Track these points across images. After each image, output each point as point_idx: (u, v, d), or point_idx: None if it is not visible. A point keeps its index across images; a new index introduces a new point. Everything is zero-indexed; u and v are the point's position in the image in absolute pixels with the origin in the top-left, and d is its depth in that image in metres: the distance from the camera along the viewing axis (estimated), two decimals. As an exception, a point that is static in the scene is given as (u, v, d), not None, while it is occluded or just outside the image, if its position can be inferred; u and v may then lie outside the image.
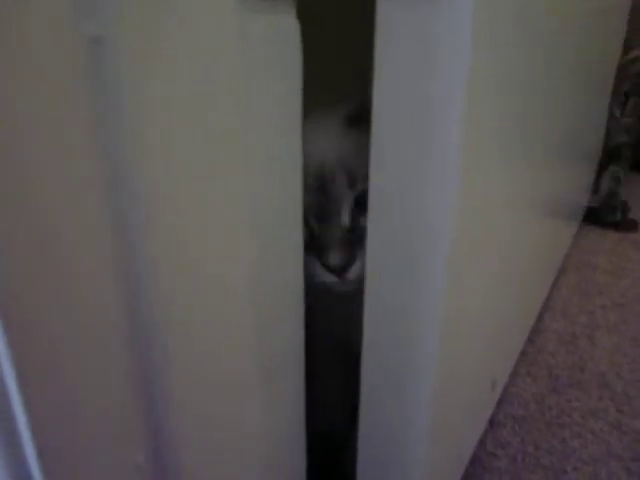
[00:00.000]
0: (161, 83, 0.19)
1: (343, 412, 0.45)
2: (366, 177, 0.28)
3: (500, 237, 0.43)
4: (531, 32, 0.37)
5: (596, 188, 1.15)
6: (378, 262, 0.30)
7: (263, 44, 0.23)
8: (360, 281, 0.32)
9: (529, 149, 0.47)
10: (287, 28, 0.25)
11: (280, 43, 0.24)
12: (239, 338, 0.25)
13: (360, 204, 0.36)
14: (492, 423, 0.55)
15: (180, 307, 0.22)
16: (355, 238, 0.36)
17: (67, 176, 0.16)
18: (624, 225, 1.06)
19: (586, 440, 0.54)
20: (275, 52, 0.24)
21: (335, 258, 0.35)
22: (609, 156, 1.17)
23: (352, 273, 0.36)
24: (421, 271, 0.29)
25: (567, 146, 0.72)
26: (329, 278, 0.36)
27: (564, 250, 0.90)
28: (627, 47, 1.17)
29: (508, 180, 0.41)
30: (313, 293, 0.32)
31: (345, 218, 0.36)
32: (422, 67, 0.25)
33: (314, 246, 0.36)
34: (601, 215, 1.08)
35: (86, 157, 0.17)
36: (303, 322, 0.31)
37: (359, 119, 0.35)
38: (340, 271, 0.35)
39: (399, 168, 0.27)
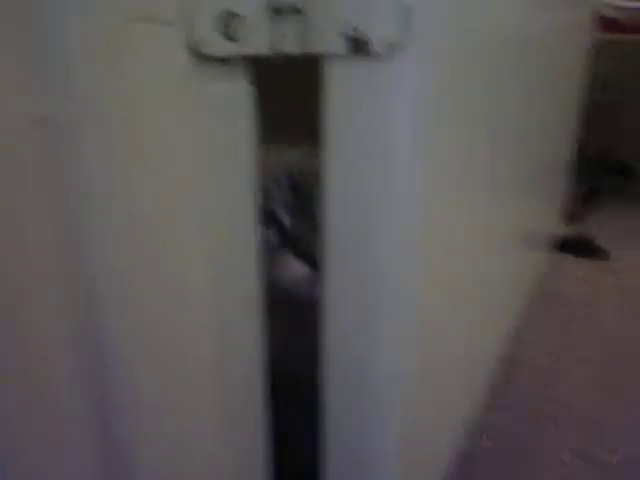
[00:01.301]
0: (118, 152, 0.20)
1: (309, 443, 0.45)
2: None
3: (471, 267, 0.44)
4: (491, 75, 0.39)
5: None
6: (335, 304, 0.31)
7: (218, 108, 0.25)
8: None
9: (497, 182, 0.49)
10: (241, 93, 0.26)
11: (235, 107, 0.26)
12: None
13: None
14: (465, 457, 0.56)
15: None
16: None
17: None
18: (596, 254, 1.08)
19: (556, 470, 0.55)
20: (230, 115, 0.25)
21: (310, 245, 0.37)
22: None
23: None
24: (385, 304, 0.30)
25: (534, 178, 0.74)
26: (304, 271, 0.37)
27: (536, 279, 0.92)
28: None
29: (478, 211, 0.42)
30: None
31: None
32: (370, 121, 0.26)
33: (289, 241, 0.38)
34: (573, 244, 1.10)
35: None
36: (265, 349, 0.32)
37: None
38: (314, 261, 0.37)
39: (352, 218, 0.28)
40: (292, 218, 0.39)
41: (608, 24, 1.45)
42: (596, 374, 0.71)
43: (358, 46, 0.25)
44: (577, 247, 1.09)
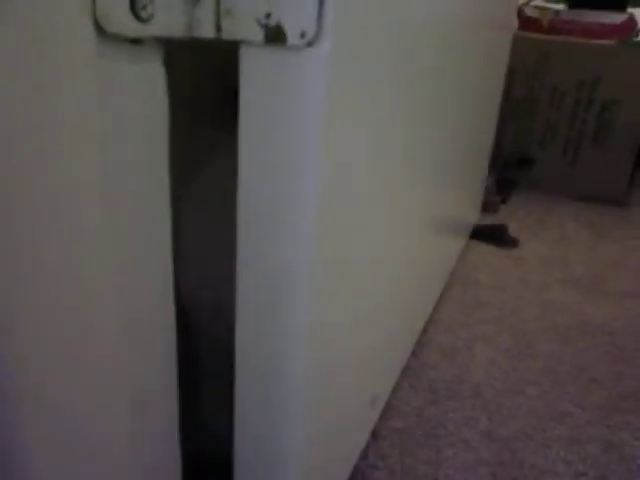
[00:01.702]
0: (22, 138, 0.19)
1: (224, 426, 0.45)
2: None
3: (383, 253, 0.45)
4: (408, 66, 0.40)
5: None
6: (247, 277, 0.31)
7: (128, 90, 0.24)
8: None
9: (413, 170, 0.50)
10: (153, 75, 0.25)
11: (146, 91, 0.25)
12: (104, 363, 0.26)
13: None
14: (374, 436, 0.58)
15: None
16: None
17: None
18: (507, 242, 1.15)
19: (458, 449, 0.58)
20: (140, 98, 0.25)
21: None
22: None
23: None
24: (287, 285, 0.31)
25: (455, 167, 0.77)
26: None
27: (450, 266, 0.96)
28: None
29: (392, 198, 0.44)
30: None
31: None
32: (282, 109, 0.27)
33: None
34: (487, 233, 1.16)
35: None
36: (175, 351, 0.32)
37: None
38: None
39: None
40: None
41: (527, 23, 1.52)
42: (500, 355, 0.76)
43: (273, 35, 0.25)
44: (489, 235, 1.15)
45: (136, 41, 0.24)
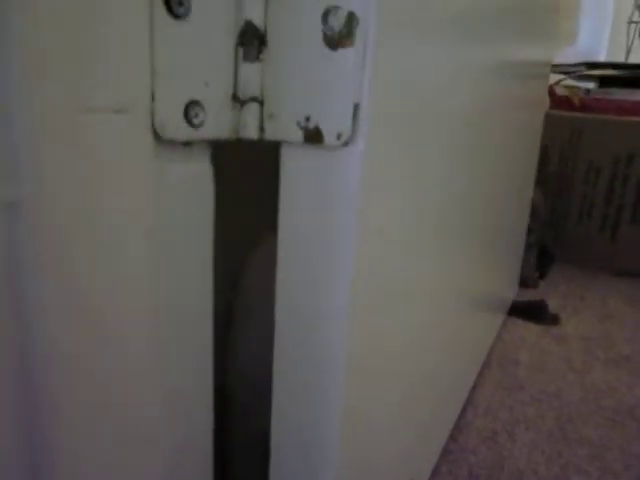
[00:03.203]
0: (81, 239, 0.21)
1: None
2: None
3: (418, 334, 0.46)
4: (445, 155, 0.41)
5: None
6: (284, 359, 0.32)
7: (179, 189, 0.26)
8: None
9: (450, 251, 0.51)
10: (202, 173, 0.28)
11: (195, 188, 0.27)
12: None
13: None
14: (412, 526, 0.56)
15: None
16: None
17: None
18: (547, 319, 1.12)
19: (501, 543, 0.55)
20: (190, 196, 0.27)
21: None
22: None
23: None
24: (324, 367, 0.31)
25: (492, 243, 0.78)
26: None
27: (488, 344, 0.94)
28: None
29: (428, 280, 0.44)
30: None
31: None
32: (320, 204, 0.28)
33: None
34: (526, 309, 1.14)
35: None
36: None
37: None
38: None
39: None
40: None
41: (559, 101, 1.55)
42: (543, 439, 0.73)
43: (312, 136, 0.27)
44: (528, 312, 1.12)
45: (187, 143, 0.26)
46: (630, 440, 0.74)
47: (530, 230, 1.23)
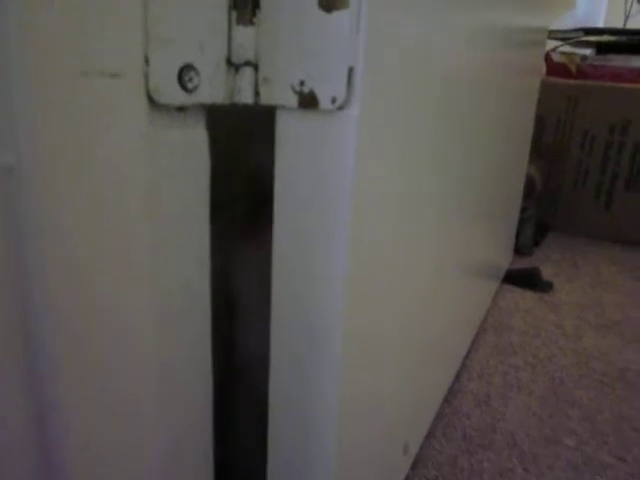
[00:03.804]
0: (75, 203, 0.21)
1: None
2: None
3: (415, 299, 0.46)
4: (440, 119, 0.41)
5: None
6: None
7: (174, 155, 0.26)
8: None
9: (445, 217, 0.51)
10: (197, 139, 0.28)
11: (190, 153, 0.27)
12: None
13: None
14: (407, 484, 0.58)
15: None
16: None
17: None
18: (541, 286, 1.13)
19: (493, 500, 0.57)
20: (186, 160, 0.27)
21: None
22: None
23: None
24: (319, 325, 0.32)
25: (486, 211, 0.78)
26: None
27: (483, 311, 0.95)
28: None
29: (424, 246, 0.45)
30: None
31: None
32: (315, 169, 0.29)
33: None
34: (521, 276, 1.15)
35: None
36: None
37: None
38: None
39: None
40: None
41: (555, 69, 1.54)
42: (535, 402, 0.74)
43: (307, 101, 0.27)
44: (523, 279, 1.14)
45: (182, 108, 0.26)
46: (619, 402, 0.76)
47: (526, 206, 1.24)
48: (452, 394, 0.74)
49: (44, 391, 0.22)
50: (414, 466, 0.60)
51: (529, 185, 1.22)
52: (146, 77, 0.23)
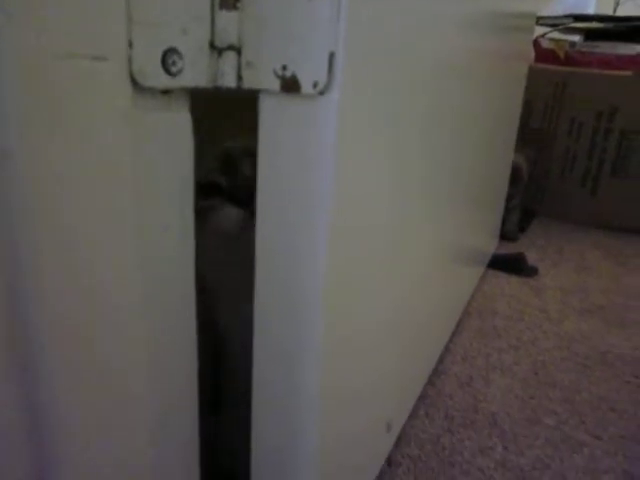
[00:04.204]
0: (62, 184, 0.22)
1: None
2: None
3: (399, 282, 0.47)
4: (425, 105, 0.42)
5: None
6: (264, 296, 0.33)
7: (158, 138, 0.27)
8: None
9: (430, 202, 0.52)
10: (181, 122, 0.28)
11: (174, 136, 0.28)
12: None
13: None
14: (389, 462, 0.59)
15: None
16: None
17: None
18: (526, 271, 1.15)
19: (473, 477, 0.59)
20: (169, 145, 0.27)
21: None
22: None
23: None
24: (302, 308, 0.32)
25: (472, 197, 0.79)
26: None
27: (468, 295, 0.97)
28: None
29: (409, 230, 0.46)
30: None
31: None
32: (296, 151, 0.29)
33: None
34: (506, 261, 1.16)
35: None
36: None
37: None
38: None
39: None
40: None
41: (544, 55, 1.54)
42: (517, 384, 0.76)
43: (289, 85, 0.28)
44: (508, 264, 1.15)
45: (166, 91, 0.27)
46: (599, 383, 0.78)
47: (513, 195, 1.25)
48: (436, 376, 0.76)
49: (33, 361, 0.23)
50: (397, 444, 0.61)
51: (516, 175, 1.24)
52: (130, 60, 0.24)
